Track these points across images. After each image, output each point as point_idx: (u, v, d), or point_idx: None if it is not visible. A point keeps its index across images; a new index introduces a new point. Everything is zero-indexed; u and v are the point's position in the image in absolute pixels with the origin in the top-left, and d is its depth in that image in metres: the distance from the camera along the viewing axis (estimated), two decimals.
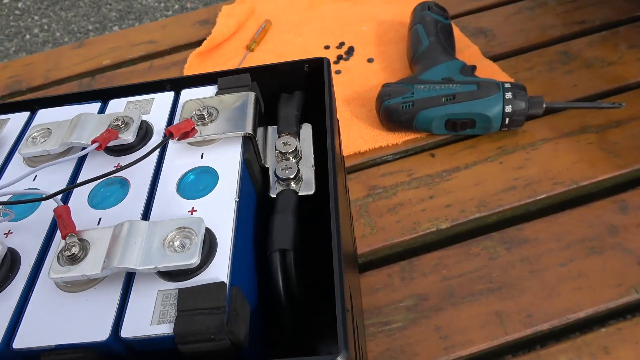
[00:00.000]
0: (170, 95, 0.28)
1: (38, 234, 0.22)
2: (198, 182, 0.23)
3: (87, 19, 2.23)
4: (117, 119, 0.25)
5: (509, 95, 0.49)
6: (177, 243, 0.19)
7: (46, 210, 0.23)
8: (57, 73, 0.76)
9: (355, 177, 0.51)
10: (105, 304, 0.19)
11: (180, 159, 0.24)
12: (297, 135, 0.26)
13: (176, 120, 0.25)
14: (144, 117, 0.26)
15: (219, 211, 0.21)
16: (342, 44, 0.68)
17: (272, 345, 0.22)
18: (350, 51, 0.66)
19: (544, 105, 0.50)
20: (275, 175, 0.24)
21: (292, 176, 0.24)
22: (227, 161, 0.23)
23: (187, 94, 0.27)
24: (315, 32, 0.71)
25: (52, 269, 0.19)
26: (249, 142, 0.24)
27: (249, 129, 0.24)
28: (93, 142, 0.23)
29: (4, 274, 0.20)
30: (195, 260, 0.19)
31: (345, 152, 0.54)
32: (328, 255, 0.20)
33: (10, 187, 0.22)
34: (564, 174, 0.49)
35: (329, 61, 0.28)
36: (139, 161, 0.22)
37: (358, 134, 0.55)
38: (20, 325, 0.19)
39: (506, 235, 0.45)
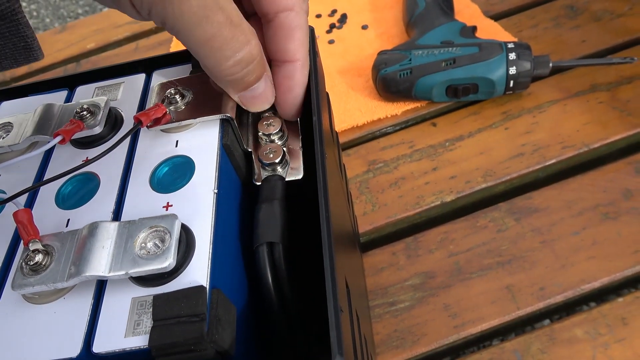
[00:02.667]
0: (141, 77, 0.25)
1: (2, 240, 0.20)
2: (173, 174, 0.21)
3: (76, 3, 2.18)
4: (81, 108, 0.22)
5: (512, 56, 0.46)
6: (149, 244, 0.18)
7: (9, 214, 0.21)
8: (40, 62, 0.73)
9: (353, 152, 0.49)
10: (76, 315, 0.17)
11: (153, 149, 0.22)
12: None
13: (148, 106, 0.23)
14: (113, 104, 0.24)
15: (197, 205, 0.19)
16: (334, 12, 0.64)
17: (267, 349, 0.21)
18: (344, 19, 0.63)
19: (551, 65, 0.47)
20: (259, 160, 0.22)
21: (277, 160, 0.22)
22: (204, 148, 0.21)
23: (159, 75, 0.25)
24: None
25: (14, 281, 0.17)
26: (227, 126, 0.22)
27: (227, 111, 0.21)
28: (55, 135, 0.21)
29: None
30: (169, 263, 0.17)
31: (342, 127, 0.51)
32: (321, 247, 0.18)
33: None
34: (573, 136, 0.46)
35: (313, 30, 0.25)
36: (106, 154, 0.20)
37: (355, 106, 0.52)
38: None
39: (515, 205, 0.43)
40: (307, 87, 0.23)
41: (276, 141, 0.23)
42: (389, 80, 0.49)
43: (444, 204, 0.44)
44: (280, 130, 0.23)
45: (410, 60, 0.49)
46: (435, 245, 0.41)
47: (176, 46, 0.66)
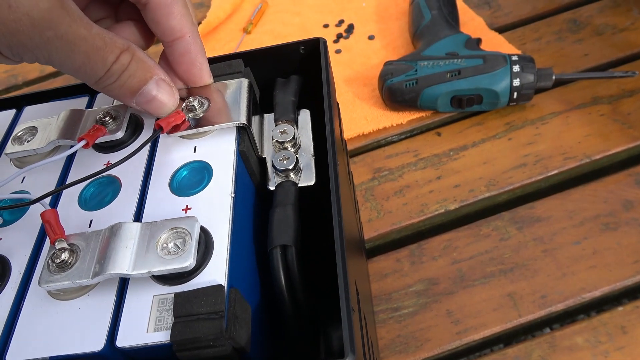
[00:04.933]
0: None
1: (28, 239, 0.21)
2: (192, 178, 0.22)
3: None
4: (104, 114, 0.23)
5: (516, 68, 0.48)
6: (170, 245, 0.18)
7: (36, 214, 0.22)
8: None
9: (359, 160, 0.50)
10: (99, 311, 0.18)
11: (172, 154, 0.23)
12: (294, 122, 0.25)
13: None
14: (134, 110, 0.25)
15: (214, 208, 0.20)
16: (341, 22, 0.66)
17: (279, 347, 0.22)
18: (350, 29, 0.64)
19: (554, 77, 0.48)
20: (273, 166, 0.23)
21: (290, 167, 0.23)
22: (221, 154, 0.22)
23: None
24: (313, 11, 0.69)
25: (41, 278, 0.18)
26: (243, 133, 0.23)
27: (243, 119, 0.22)
28: (79, 139, 0.22)
29: None
30: (190, 262, 0.18)
31: (348, 135, 0.52)
32: (332, 249, 0.19)
33: None
34: (575, 148, 0.47)
35: (325, 42, 0.26)
36: (128, 159, 0.21)
37: (361, 115, 0.53)
38: (13, 337, 0.18)
39: (517, 214, 0.43)
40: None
41: (289, 148, 0.24)
42: (395, 90, 0.50)
43: (447, 212, 0.45)
44: (294, 138, 0.24)
45: (416, 71, 0.50)
46: (439, 253, 0.42)
47: None
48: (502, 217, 0.44)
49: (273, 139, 0.24)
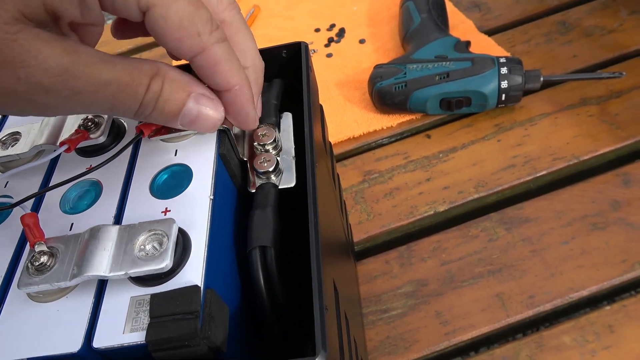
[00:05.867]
0: None
1: (9, 242, 0.21)
2: (172, 181, 0.22)
3: None
4: (86, 119, 0.24)
5: (504, 70, 0.48)
6: (148, 247, 0.19)
7: (18, 218, 0.22)
8: None
9: (350, 162, 0.50)
10: (77, 313, 0.18)
11: (154, 157, 0.23)
12: (276, 125, 0.25)
13: None
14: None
15: (193, 210, 0.20)
16: (332, 26, 0.66)
17: (259, 347, 0.22)
18: (342, 33, 0.65)
19: (542, 79, 0.49)
20: (254, 169, 0.23)
21: (271, 169, 0.23)
22: (202, 157, 0.22)
23: None
24: (305, 15, 0.69)
25: (20, 280, 0.18)
26: (224, 136, 0.23)
27: (224, 123, 0.23)
28: (61, 144, 0.22)
29: None
30: (166, 264, 0.18)
31: (339, 138, 0.52)
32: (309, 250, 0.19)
33: None
34: (564, 149, 0.47)
35: (307, 45, 0.27)
36: (108, 162, 0.21)
37: (351, 118, 0.54)
38: None
39: (506, 215, 0.44)
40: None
41: (270, 151, 0.24)
42: (385, 93, 0.51)
43: (437, 214, 0.45)
44: (275, 140, 0.24)
45: (405, 74, 0.50)
46: (428, 254, 0.42)
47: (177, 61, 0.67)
48: (491, 218, 0.44)
49: (254, 142, 0.24)
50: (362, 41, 0.63)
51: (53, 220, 0.21)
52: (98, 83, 0.18)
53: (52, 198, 0.22)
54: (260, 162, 0.23)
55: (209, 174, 0.21)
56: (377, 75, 0.51)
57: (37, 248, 0.19)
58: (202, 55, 0.20)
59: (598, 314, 0.37)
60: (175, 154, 0.23)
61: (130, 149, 0.24)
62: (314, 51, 0.63)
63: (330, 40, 0.64)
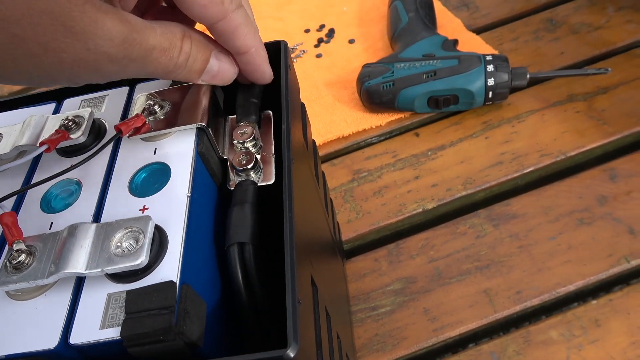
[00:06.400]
0: (124, 90, 0.27)
1: None
2: (150, 179, 0.22)
3: None
4: (66, 119, 0.24)
5: (490, 67, 0.48)
6: (125, 244, 0.19)
7: None
8: None
9: (339, 162, 0.51)
10: (55, 310, 0.18)
11: (133, 156, 0.23)
12: (256, 123, 0.25)
13: (129, 117, 0.25)
14: (98, 115, 0.25)
15: (171, 208, 0.20)
16: (322, 27, 0.66)
17: (238, 341, 0.22)
18: (331, 33, 0.65)
19: (528, 76, 0.49)
20: (232, 166, 0.23)
21: (249, 166, 0.23)
22: (180, 155, 0.22)
23: (141, 88, 0.27)
24: (294, 16, 0.69)
25: None
26: (202, 134, 0.23)
27: (202, 120, 0.23)
28: (41, 144, 0.22)
29: None
30: (141, 260, 0.18)
31: (328, 137, 0.53)
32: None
33: None
34: (551, 145, 0.47)
35: (286, 44, 0.27)
36: (86, 160, 0.21)
37: (341, 117, 0.54)
38: None
39: (493, 211, 0.44)
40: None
41: (250, 149, 0.24)
42: (373, 92, 0.51)
43: (425, 212, 0.45)
44: (254, 138, 0.24)
45: (392, 72, 0.50)
46: (417, 252, 0.43)
47: None
48: (479, 214, 0.44)
49: (234, 140, 0.24)
50: (351, 41, 0.63)
51: (33, 219, 0.22)
52: (146, 49, 0.20)
53: (33, 197, 0.22)
54: (239, 160, 0.23)
55: (187, 172, 0.22)
56: (365, 75, 0.51)
57: (16, 247, 0.19)
58: (224, 21, 0.22)
59: (584, 309, 0.37)
60: (155, 153, 0.23)
61: (110, 148, 0.24)
62: (304, 52, 0.64)
63: (320, 40, 0.64)
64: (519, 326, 0.38)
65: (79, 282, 0.19)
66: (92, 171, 0.23)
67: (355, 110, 0.54)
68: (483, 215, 0.44)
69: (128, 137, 0.23)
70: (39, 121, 0.25)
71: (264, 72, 0.25)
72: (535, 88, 0.52)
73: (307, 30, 0.67)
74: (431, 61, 0.50)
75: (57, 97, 0.28)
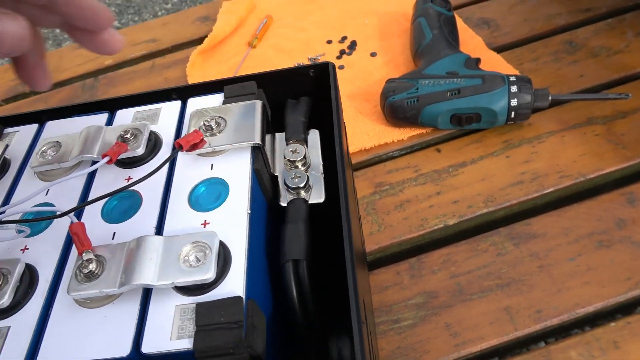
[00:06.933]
0: (177, 104, 0.28)
1: (54, 248, 0.22)
2: (209, 194, 0.23)
3: None
4: (125, 131, 0.25)
5: (514, 88, 0.49)
6: (192, 257, 0.20)
7: (61, 225, 0.23)
8: (59, 75, 0.76)
9: (361, 174, 0.51)
10: (125, 319, 0.19)
11: (191, 171, 0.24)
12: (304, 142, 0.26)
13: (184, 131, 0.26)
14: (153, 128, 0.26)
15: (232, 223, 0.21)
16: (344, 38, 0.67)
17: (289, 355, 0.23)
18: (353, 45, 0.66)
19: (550, 98, 0.50)
20: (285, 184, 0.24)
21: (301, 185, 0.24)
22: (237, 172, 0.23)
23: (193, 103, 0.27)
24: (316, 26, 0.70)
25: (70, 287, 0.19)
26: (257, 152, 0.24)
27: (257, 139, 0.24)
28: (104, 156, 0.23)
29: (23, 290, 0.20)
30: (211, 275, 0.19)
31: (350, 149, 0.54)
32: (340, 263, 0.20)
33: (25, 203, 0.22)
34: (571, 167, 0.48)
35: (334, 66, 0.28)
36: (150, 175, 0.22)
37: (363, 130, 0.55)
38: (42, 342, 0.19)
39: (514, 230, 0.45)
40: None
41: (300, 167, 0.25)
42: (397, 107, 0.52)
43: (446, 227, 0.46)
44: (304, 157, 0.25)
45: (417, 89, 0.51)
46: (438, 267, 0.43)
47: (192, 66, 0.68)
48: (500, 232, 0.45)
49: (285, 158, 0.25)
50: (373, 54, 0.64)
51: (96, 229, 0.22)
52: None
53: (94, 208, 0.23)
54: (292, 178, 0.24)
55: (245, 189, 0.23)
56: (390, 90, 0.52)
57: (85, 256, 0.20)
58: None
59: (603, 330, 0.38)
60: (212, 168, 0.24)
61: (167, 164, 0.25)
62: None
63: (342, 52, 0.65)
64: (539, 345, 0.38)
65: (146, 292, 0.20)
66: (151, 184, 0.24)
67: (377, 123, 0.55)
68: (504, 233, 0.45)
69: (186, 152, 0.24)
70: (96, 132, 0.25)
71: (96, 11, 0.21)
72: (555, 109, 0.53)
73: (329, 41, 0.68)
74: (455, 79, 0.51)
75: (110, 107, 0.28)
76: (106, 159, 0.23)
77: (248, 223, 0.21)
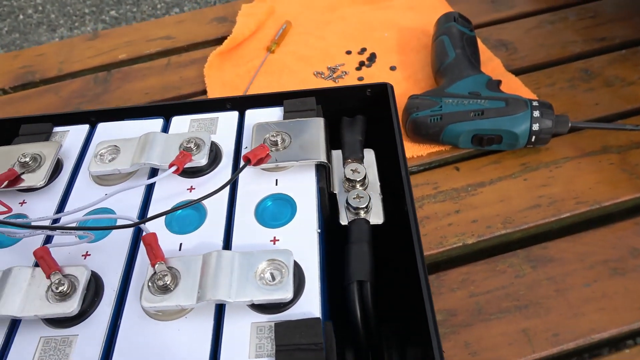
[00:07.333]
0: (234, 115, 0.28)
1: (117, 256, 0.22)
2: (275, 210, 0.23)
3: (83, 2, 2.18)
4: (188, 141, 0.25)
5: (536, 113, 0.50)
6: (267, 275, 0.20)
7: (122, 231, 0.23)
8: (70, 66, 0.75)
9: None
10: (200, 334, 0.19)
11: (255, 185, 0.24)
12: (362, 161, 0.27)
13: (244, 143, 0.26)
14: (213, 138, 0.26)
15: (302, 242, 0.21)
16: (363, 50, 0.68)
17: None
18: (373, 58, 0.66)
19: (570, 125, 0.51)
20: (347, 203, 0.25)
21: (364, 205, 0.24)
22: (303, 189, 0.23)
23: (252, 115, 0.27)
24: (336, 36, 0.71)
25: (144, 298, 0.19)
26: (322, 170, 0.24)
27: (323, 158, 0.24)
28: (171, 165, 0.23)
29: (90, 298, 0.20)
30: (290, 295, 0.19)
31: None
32: (401, 284, 0.20)
33: (86, 209, 0.22)
34: (586, 193, 0.50)
35: (392, 87, 0.28)
36: (222, 189, 0.22)
37: None
38: (114, 353, 0.19)
39: (531, 253, 0.46)
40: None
41: (358, 187, 0.26)
42: (420, 123, 0.52)
43: (465, 246, 0.47)
44: (365, 177, 0.25)
45: (441, 107, 0.52)
46: (457, 285, 0.44)
47: (210, 67, 0.68)
48: (517, 254, 0.46)
49: (345, 177, 0.26)
50: (392, 68, 0.65)
51: (162, 239, 0.22)
52: None
53: (159, 218, 0.23)
54: (354, 198, 0.25)
55: (313, 207, 0.23)
56: (414, 106, 0.53)
57: (159, 268, 0.20)
58: None
59: (617, 357, 0.39)
60: (276, 184, 0.24)
61: (229, 173, 0.25)
62: (346, 73, 0.65)
63: (362, 63, 0.66)
64: None
65: (219, 308, 0.20)
66: (215, 196, 0.24)
67: None
68: (522, 255, 0.46)
69: (253, 166, 0.24)
70: (156, 139, 0.25)
71: None
72: (571, 136, 0.55)
73: (348, 52, 0.68)
74: (479, 100, 0.52)
75: (165, 113, 0.28)
76: (173, 168, 0.23)
77: (319, 242, 0.21)
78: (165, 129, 0.27)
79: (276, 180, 0.24)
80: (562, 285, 0.43)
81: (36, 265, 0.21)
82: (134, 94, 0.67)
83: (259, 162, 0.24)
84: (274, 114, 0.27)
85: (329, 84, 0.63)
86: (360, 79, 0.64)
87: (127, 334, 0.19)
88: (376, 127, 0.27)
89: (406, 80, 0.63)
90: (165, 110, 0.28)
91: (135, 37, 0.77)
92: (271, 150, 0.24)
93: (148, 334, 0.19)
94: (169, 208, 0.23)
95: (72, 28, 2.07)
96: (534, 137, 0.51)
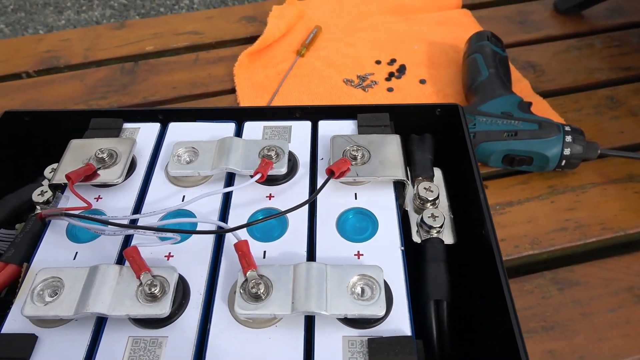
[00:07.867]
0: (307, 124, 0.28)
1: (200, 259, 0.22)
2: (357, 224, 0.23)
3: None
4: (269, 149, 0.25)
5: (568, 138, 0.51)
6: (357, 289, 0.20)
7: (204, 235, 0.23)
8: (96, 53, 0.74)
9: None
10: (291, 344, 0.19)
11: (335, 198, 0.24)
12: (432, 179, 0.27)
13: (321, 154, 0.26)
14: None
15: (387, 258, 0.22)
16: (393, 61, 0.68)
17: None
18: (402, 69, 0.67)
19: (599, 152, 0.52)
20: (422, 222, 0.25)
21: (439, 225, 0.25)
22: (383, 205, 0.24)
23: (325, 126, 0.28)
24: (366, 44, 0.71)
25: (237, 304, 0.20)
26: (400, 187, 0.25)
27: (401, 175, 0.24)
28: (256, 173, 0.23)
29: (179, 300, 0.20)
30: (383, 311, 0.19)
31: None
32: (476, 306, 0.21)
33: (166, 210, 0.22)
34: (612, 220, 0.51)
35: (463, 108, 0.29)
36: (309, 201, 0.22)
37: None
38: (206, 356, 0.19)
39: (558, 275, 0.47)
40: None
41: (428, 206, 0.26)
42: None
43: None
44: (437, 196, 0.26)
45: (474, 125, 0.53)
46: None
47: (239, 66, 0.68)
48: (544, 276, 0.47)
49: (417, 195, 0.26)
50: (422, 81, 0.65)
51: None
52: None
53: (238, 223, 0.23)
54: (429, 217, 0.25)
55: (394, 224, 0.23)
56: None
57: (251, 276, 0.20)
58: None
59: None
60: (356, 198, 0.24)
61: (307, 184, 0.25)
62: (375, 83, 0.66)
63: (391, 74, 0.66)
64: None
65: (309, 319, 0.20)
66: (293, 204, 0.24)
67: None
68: (548, 277, 0.46)
69: (335, 179, 0.24)
70: (234, 144, 0.25)
71: None
72: (597, 162, 0.56)
73: (378, 62, 0.69)
74: (512, 121, 0.53)
75: (237, 117, 0.29)
76: (257, 176, 0.23)
77: (403, 259, 0.22)
78: (238, 133, 0.28)
79: (355, 194, 0.24)
80: (587, 309, 0.44)
81: (118, 263, 0.21)
82: (162, 88, 0.67)
83: (340, 175, 0.24)
84: (347, 127, 0.28)
85: (358, 92, 0.64)
86: (390, 89, 0.65)
87: (217, 339, 0.20)
88: (446, 146, 0.27)
89: (436, 94, 0.64)
90: (238, 114, 0.29)
91: (162, 30, 0.77)
92: (351, 164, 0.25)
93: (240, 340, 0.20)
94: (251, 214, 0.24)
95: (79, 12, 2.05)
96: (564, 161, 0.52)
